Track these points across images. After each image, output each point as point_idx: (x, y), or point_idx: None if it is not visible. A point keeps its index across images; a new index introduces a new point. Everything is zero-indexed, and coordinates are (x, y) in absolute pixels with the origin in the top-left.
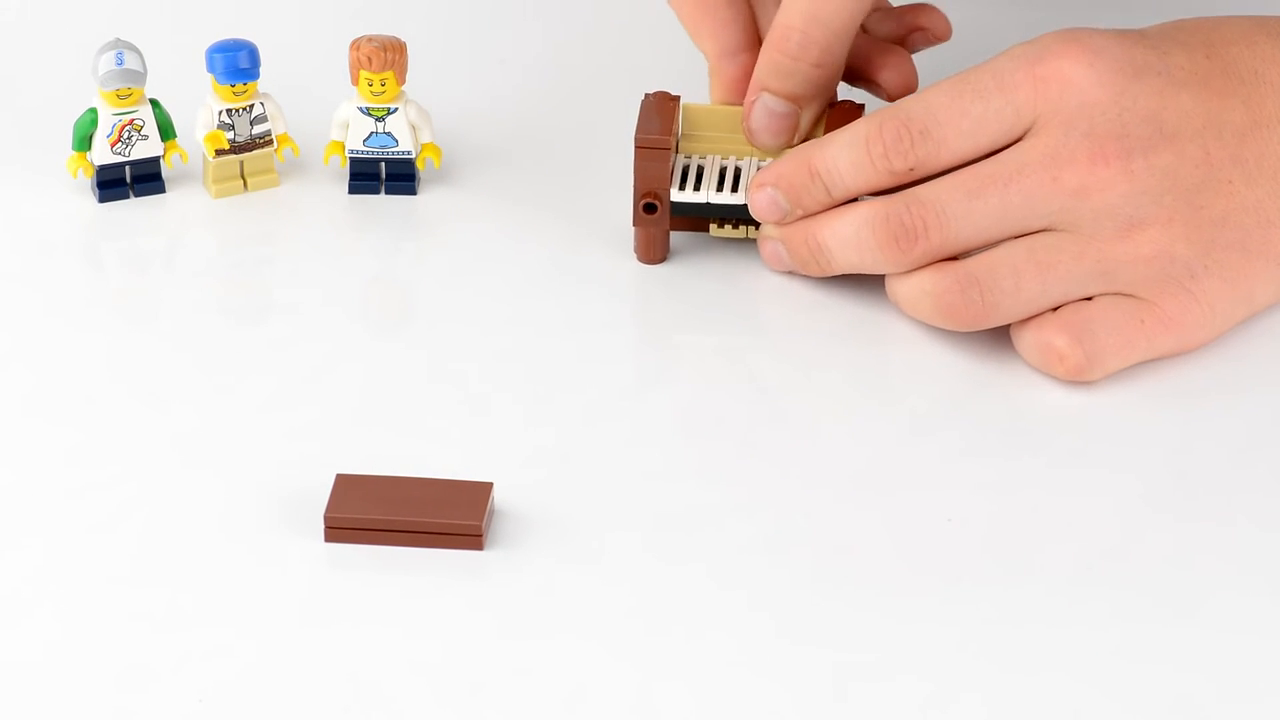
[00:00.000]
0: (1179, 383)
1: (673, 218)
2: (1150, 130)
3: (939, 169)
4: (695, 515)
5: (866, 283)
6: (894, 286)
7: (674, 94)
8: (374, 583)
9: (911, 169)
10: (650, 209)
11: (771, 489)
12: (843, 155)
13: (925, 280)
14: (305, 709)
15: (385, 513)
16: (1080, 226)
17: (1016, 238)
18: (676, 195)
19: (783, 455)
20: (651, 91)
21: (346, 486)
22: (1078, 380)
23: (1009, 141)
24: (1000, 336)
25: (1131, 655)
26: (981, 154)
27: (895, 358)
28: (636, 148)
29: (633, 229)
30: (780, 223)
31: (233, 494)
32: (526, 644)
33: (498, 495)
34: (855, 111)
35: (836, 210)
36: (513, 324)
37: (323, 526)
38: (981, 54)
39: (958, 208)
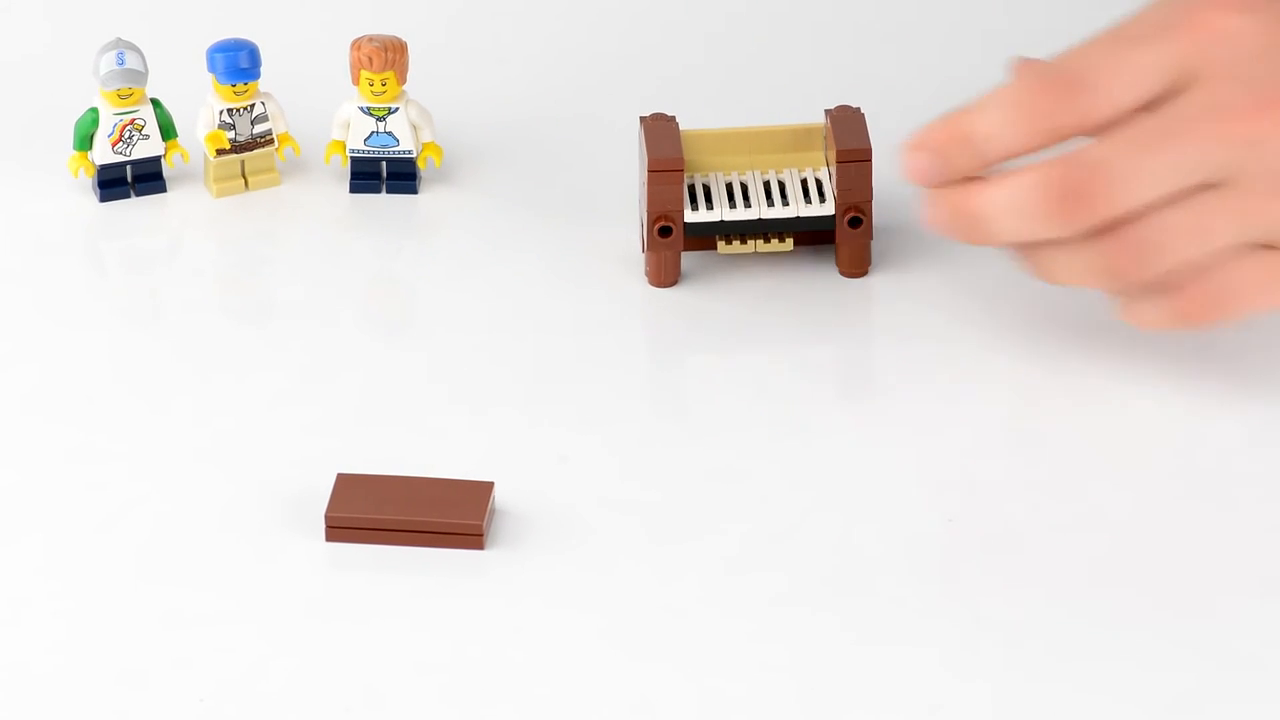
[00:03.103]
0: (1181, 381)
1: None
2: None
3: (1100, 123)
4: (695, 515)
5: (869, 285)
6: (1049, 265)
7: (669, 115)
8: (374, 582)
9: (1070, 124)
10: (665, 232)
11: (772, 489)
12: (998, 115)
13: (1087, 256)
14: (306, 708)
15: (386, 512)
16: (1245, 180)
17: (1184, 191)
18: (690, 216)
19: (783, 456)
20: (647, 115)
21: (347, 486)
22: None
23: (1170, 91)
24: (1015, 335)
25: (1132, 655)
26: (1143, 104)
27: (894, 358)
28: (650, 171)
29: (643, 254)
30: (935, 187)
31: (234, 493)
32: (526, 644)
33: (498, 495)
34: (856, 116)
35: (994, 177)
36: (514, 323)
37: (324, 526)
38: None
39: (1127, 166)
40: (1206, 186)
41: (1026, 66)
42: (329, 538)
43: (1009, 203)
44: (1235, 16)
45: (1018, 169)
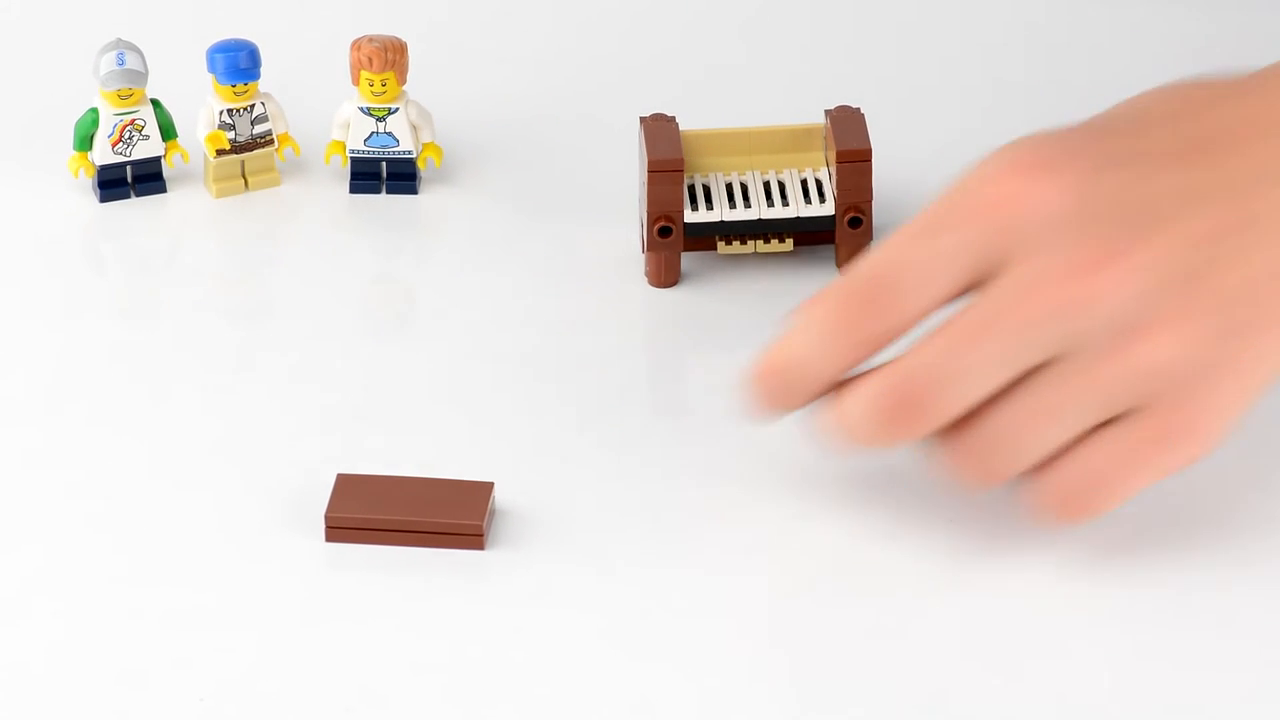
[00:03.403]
0: None
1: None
2: (1134, 225)
3: (915, 322)
4: (696, 515)
5: None
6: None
7: (669, 115)
8: (374, 583)
9: (885, 331)
10: (665, 232)
11: (773, 490)
12: (809, 338)
13: (937, 451)
14: (306, 709)
15: (386, 512)
16: (1084, 349)
17: (1016, 380)
18: (690, 216)
19: (784, 456)
20: (647, 115)
21: (347, 486)
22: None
23: (981, 276)
24: None
25: (1133, 655)
26: (957, 294)
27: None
28: (650, 171)
29: (643, 254)
30: (783, 415)
31: (233, 494)
32: (526, 644)
33: (498, 495)
34: (856, 116)
35: (837, 392)
36: (514, 323)
37: (323, 526)
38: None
39: (952, 365)
40: (1044, 366)
41: (834, 282)
42: (329, 538)
43: (852, 417)
44: (1032, 180)
45: (854, 382)
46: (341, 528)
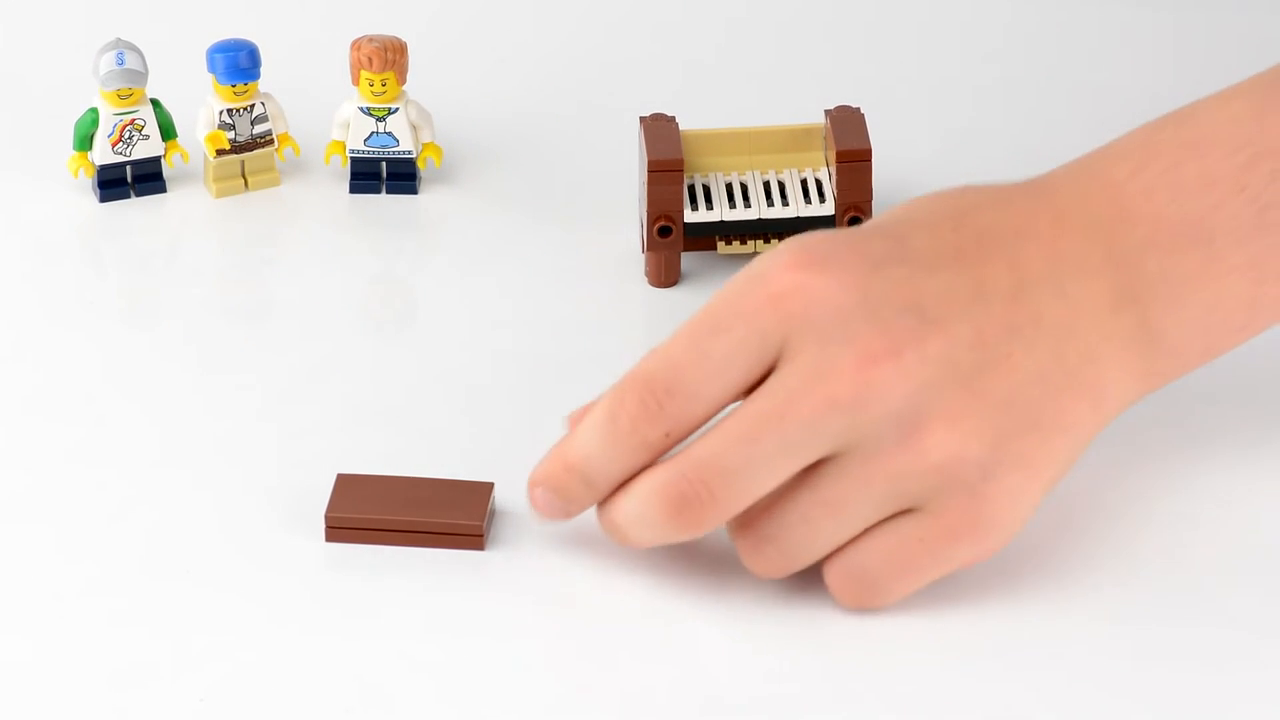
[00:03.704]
0: (1183, 378)
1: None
2: (912, 320)
3: (698, 423)
4: None
5: None
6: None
7: (669, 115)
8: (374, 583)
9: (667, 433)
10: (665, 232)
11: None
12: (593, 439)
13: (742, 551)
14: (306, 709)
15: (386, 512)
16: (866, 443)
17: (802, 473)
18: (690, 216)
19: None
20: (646, 115)
21: (347, 486)
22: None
23: (763, 372)
24: None
25: (1132, 656)
26: (739, 393)
27: None
28: (650, 171)
29: (643, 254)
30: (568, 518)
31: (233, 494)
32: (527, 644)
33: (498, 495)
34: (856, 116)
35: (622, 488)
36: (514, 323)
37: (323, 526)
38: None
39: (736, 459)
40: (828, 460)
41: (619, 381)
42: (329, 538)
43: (634, 514)
44: (813, 274)
45: (639, 477)
46: (341, 528)
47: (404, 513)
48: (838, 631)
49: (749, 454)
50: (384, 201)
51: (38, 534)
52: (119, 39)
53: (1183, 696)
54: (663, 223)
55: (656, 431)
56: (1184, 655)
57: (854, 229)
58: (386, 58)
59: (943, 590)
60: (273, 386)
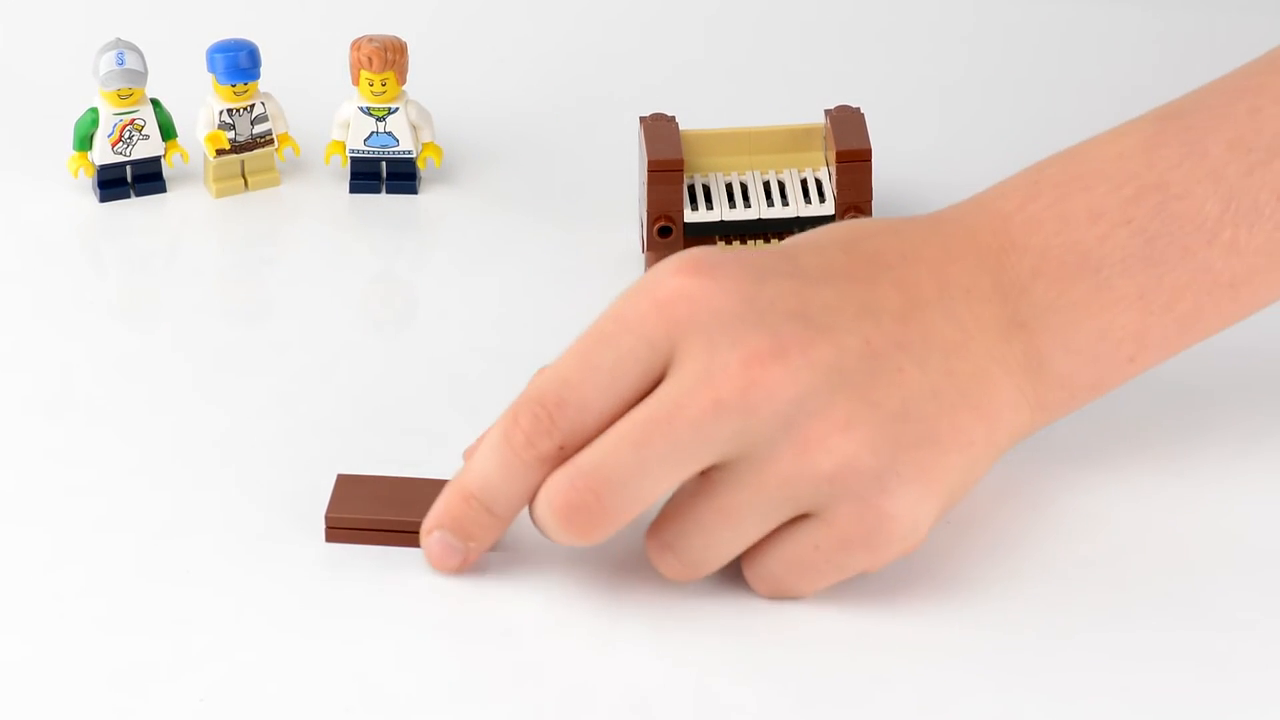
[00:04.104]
0: (1181, 378)
1: (683, 239)
2: (799, 326)
3: (591, 435)
4: None
5: None
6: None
7: (669, 115)
8: (374, 583)
9: (561, 446)
10: (665, 232)
11: None
12: (489, 464)
13: (650, 552)
14: (306, 709)
15: (386, 513)
16: (756, 449)
17: (699, 480)
18: (690, 216)
19: None
20: (646, 115)
21: (347, 486)
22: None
23: (653, 381)
24: None
25: (1132, 655)
26: (629, 403)
27: None
28: (650, 171)
29: (643, 254)
30: (466, 564)
31: (233, 494)
32: (527, 643)
33: None
34: (856, 116)
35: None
36: (514, 323)
37: (323, 526)
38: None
39: (623, 465)
40: (723, 467)
41: (512, 404)
42: (329, 538)
43: (540, 518)
44: (700, 281)
45: (519, 495)
46: (342, 528)
47: (405, 513)
48: (837, 632)
49: (637, 459)
50: (384, 201)
51: (38, 534)
52: (119, 39)
53: (1183, 696)
54: (663, 223)
55: (550, 444)
56: (1181, 656)
57: (744, 249)
58: (386, 58)
59: (938, 590)
60: (272, 386)
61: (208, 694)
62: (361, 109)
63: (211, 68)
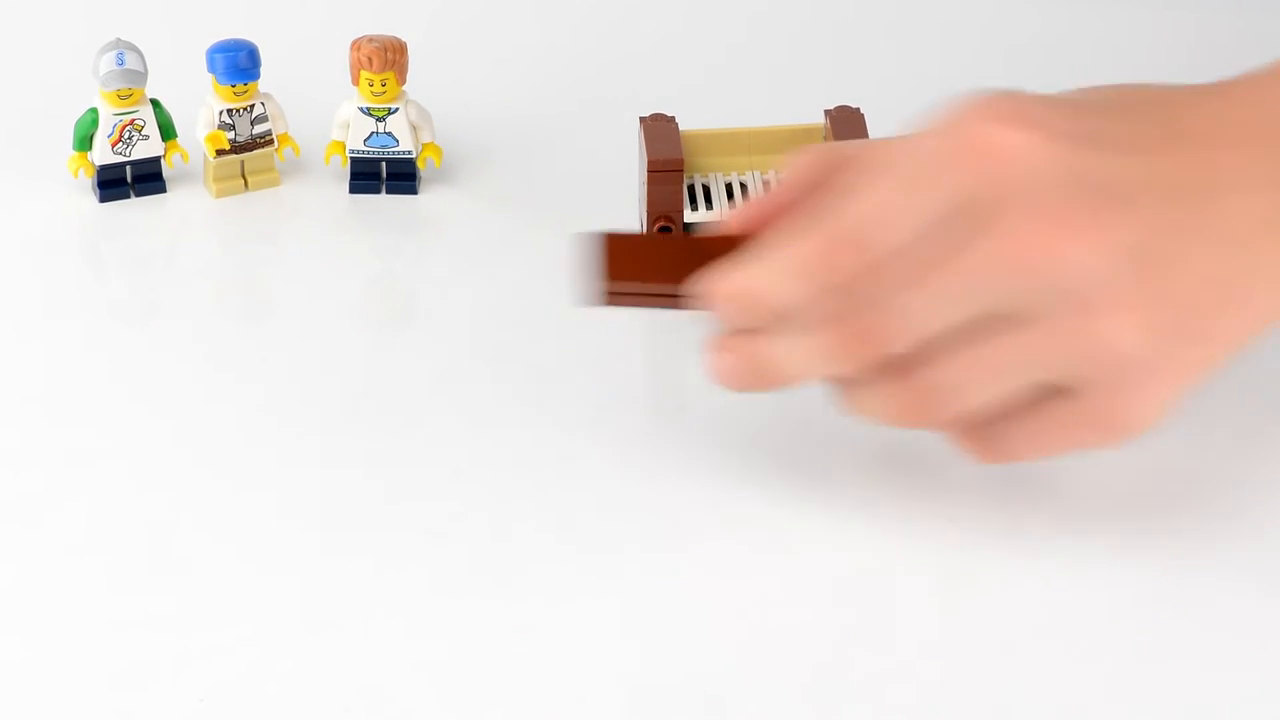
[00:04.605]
0: None
1: None
2: (1108, 198)
3: (886, 269)
4: (697, 514)
5: None
6: (851, 401)
7: (669, 115)
8: (374, 582)
9: (857, 279)
10: (665, 232)
11: (772, 489)
12: (778, 276)
13: (884, 397)
14: (306, 708)
15: (664, 278)
16: (1036, 313)
17: (973, 327)
18: (690, 216)
19: (784, 455)
20: (646, 115)
21: (617, 244)
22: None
23: (955, 224)
24: None
25: (1132, 656)
26: (934, 244)
27: None
28: (650, 171)
29: None
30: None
31: (232, 494)
32: (526, 644)
33: (496, 497)
34: (856, 116)
35: (778, 325)
36: (513, 323)
37: (599, 290)
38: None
39: (912, 303)
40: (1001, 320)
41: (809, 227)
42: (604, 302)
43: (796, 345)
44: (1018, 135)
45: (801, 314)
46: (619, 293)
47: (680, 278)
48: (837, 632)
49: (924, 299)
50: (384, 201)
51: (37, 534)
52: (119, 39)
53: (1181, 696)
54: (663, 223)
55: (843, 278)
56: (1182, 655)
57: (1058, 97)
58: (386, 58)
59: (943, 592)
60: (272, 386)
61: (208, 694)
62: (361, 109)
63: (211, 68)
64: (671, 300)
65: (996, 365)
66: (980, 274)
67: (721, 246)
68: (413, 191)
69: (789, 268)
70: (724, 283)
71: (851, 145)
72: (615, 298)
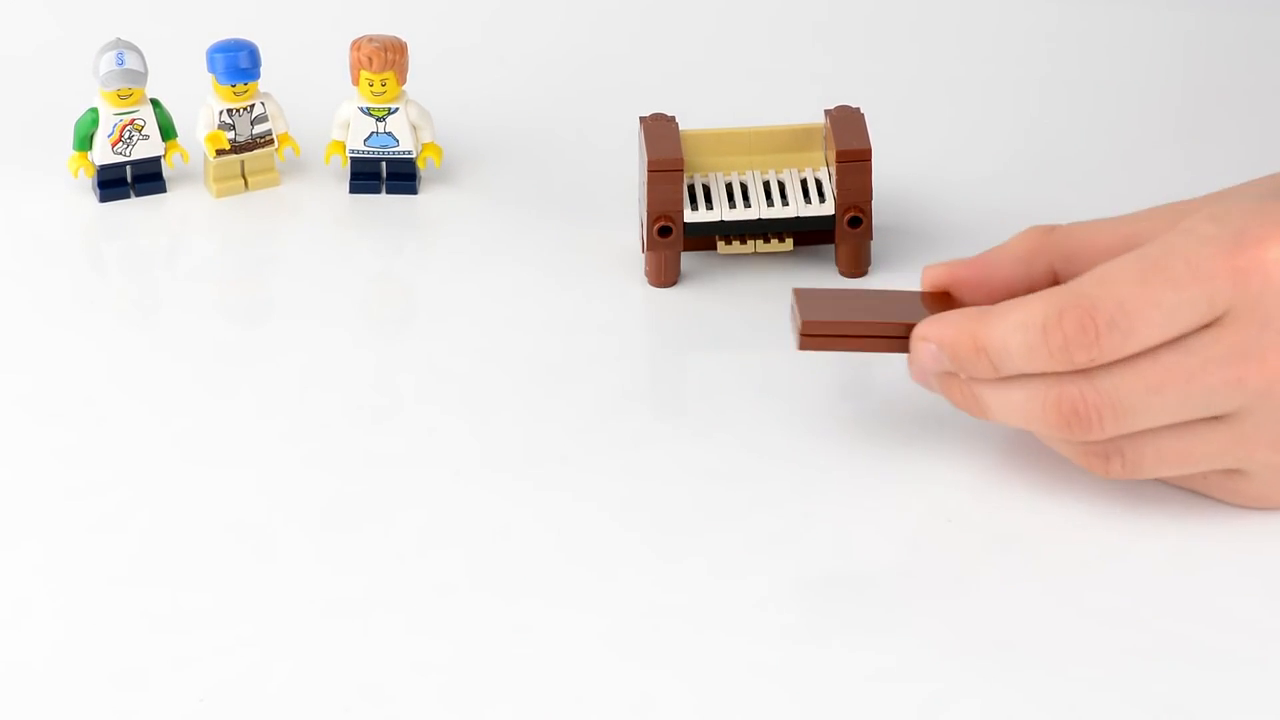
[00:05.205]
0: None
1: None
2: None
3: (1123, 358)
4: (697, 514)
5: (869, 285)
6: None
7: (669, 115)
8: (374, 582)
9: (1092, 360)
10: (665, 232)
11: (772, 489)
12: (1015, 337)
13: (1072, 443)
14: (306, 708)
15: (864, 317)
16: (1245, 423)
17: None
18: (690, 216)
19: (784, 456)
20: (646, 115)
21: (810, 298)
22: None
23: (1197, 328)
24: None
25: (1130, 655)
26: (1169, 341)
27: (893, 358)
28: (650, 171)
29: (643, 254)
30: (933, 385)
31: (232, 494)
32: (526, 644)
33: (496, 497)
34: (855, 116)
35: (1009, 377)
36: (514, 323)
37: (795, 335)
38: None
39: (1137, 401)
40: (1211, 419)
41: (1054, 292)
42: (802, 346)
43: (1014, 402)
44: (1273, 252)
45: (1031, 374)
46: (817, 335)
47: (881, 316)
48: (837, 632)
49: (1149, 400)
50: (384, 201)
51: (37, 534)
52: (119, 39)
53: (1182, 697)
54: (663, 223)
55: (1085, 357)
56: (1183, 655)
57: (1266, 193)
58: (386, 58)
59: (943, 591)
60: (272, 386)
61: (208, 694)
62: (361, 109)
63: (211, 68)
64: (871, 343)
65: (1193, 451)
66: (1221, 393)
67: (915, 302)
68: (413, 191)
69: (1027, 328)
70: (956, 326)
71: (1078, 231)
72: (815, 340)
